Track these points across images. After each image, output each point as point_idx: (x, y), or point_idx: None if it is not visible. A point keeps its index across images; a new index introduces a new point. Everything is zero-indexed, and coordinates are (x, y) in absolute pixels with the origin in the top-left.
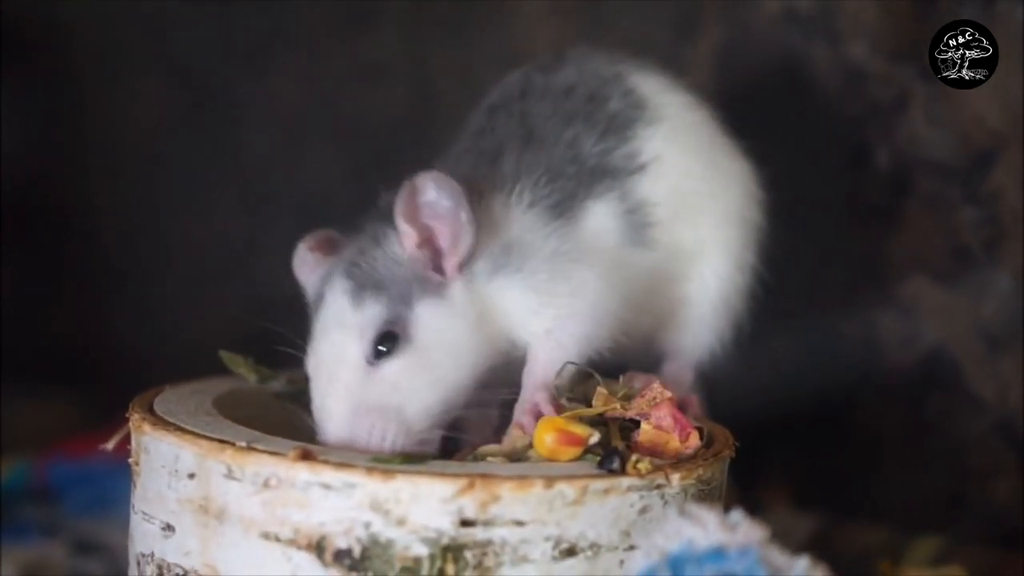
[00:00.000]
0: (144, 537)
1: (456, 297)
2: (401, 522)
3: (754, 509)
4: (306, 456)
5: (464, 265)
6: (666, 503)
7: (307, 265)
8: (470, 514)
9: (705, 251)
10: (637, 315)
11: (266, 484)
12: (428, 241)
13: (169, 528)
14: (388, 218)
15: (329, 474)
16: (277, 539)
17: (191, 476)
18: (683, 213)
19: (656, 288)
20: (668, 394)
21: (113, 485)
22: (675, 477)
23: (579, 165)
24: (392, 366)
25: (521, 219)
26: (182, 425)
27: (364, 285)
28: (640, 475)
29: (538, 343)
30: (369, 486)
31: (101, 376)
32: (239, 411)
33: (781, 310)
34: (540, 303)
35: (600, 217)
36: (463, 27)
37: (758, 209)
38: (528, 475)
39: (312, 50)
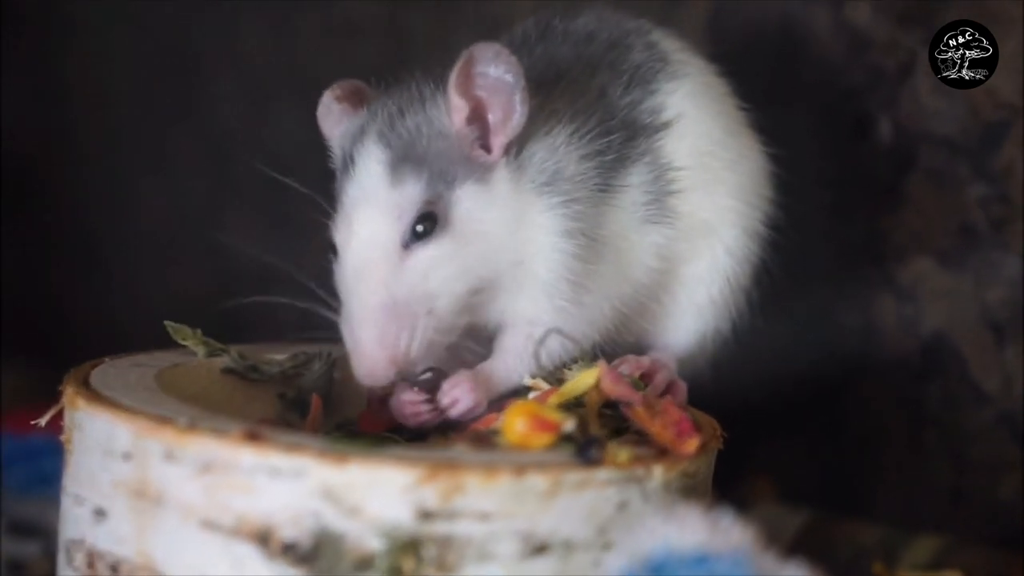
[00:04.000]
0: (75, 522)
1: (500, 186)
2: (355, 512)
3: (740, 503)
4: (252, 437)
5: (512, 152)
6: (647, 498)
7: (332, 116)
8: (431, 505)
9: (719, 226)
10: (636, 307)
11: (207, 467)
12: (477, 115)
13: (101, 513)
14: (432, 82)
15: (277, 457)
16: (218, 528)
17: (126, 456)
18: (701, 181)
19: (663, 271)
20: (644, 388)
21: (56, 463)
22: (657, 470)
23: (613, 117)
24: (427, 251)
25: (577, 164)
26: (118, 400)
27: (403, 157)
28: (619, 467)
29: (517, 329)
30: (320, 472)
31: (59, 347)
32: (184, 387)
33: (773, 292)
34: (559, 264)
35: (633, 191)
36: None
37: (769, 184)
38: (496, 463)
39: (283, 8)
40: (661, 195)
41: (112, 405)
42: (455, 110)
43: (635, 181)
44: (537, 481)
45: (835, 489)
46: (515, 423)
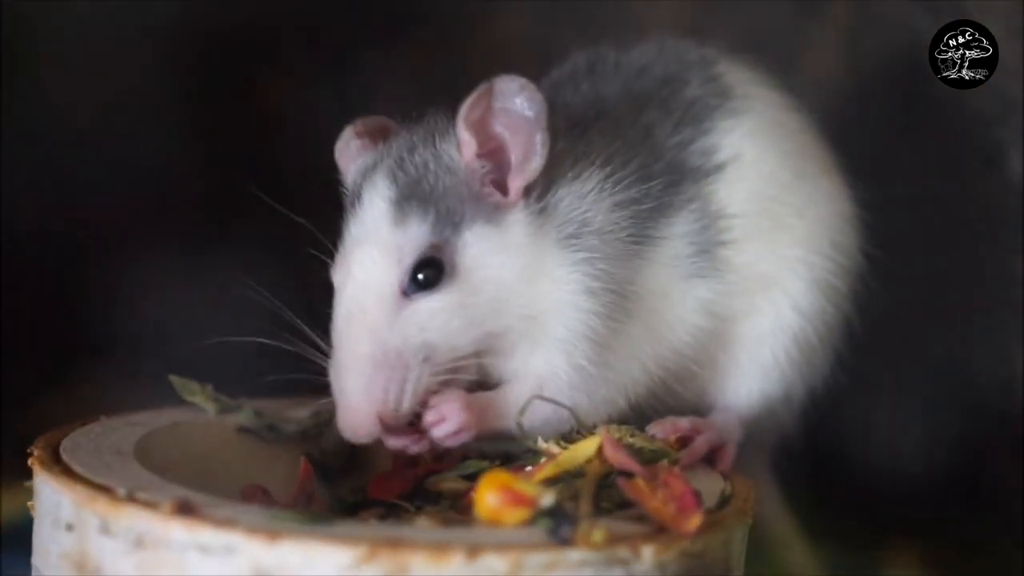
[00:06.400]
0: None
1: (515, 230)
2: None
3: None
4: (182, 510)
5: (533, 196)
6: None
7: (350, 151)
8: None
9: (782, 279)
10: (680, 369)
11: (140, 542)
12: (494, 154)
13: None
14: (449, 115)
15: (206, 534)
16: None
17: (69, 528)
18: (761, 229)
19: (714, 330)
20: (675, 455)
21: None
22: (647, 551)
23: (658, 160)
24: (428, 303)
25: (608, 214)
26: (71, 466)
27: (409, 195)
28: (593, 547)
29: (526, 382)
30: (251, 550)
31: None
32: (187, 448)
33: (900, 342)
34: (578, 322)
35: (675, 243)
36: (588, 5)
37: (853, 233)
38: (446, 542)
39: (440, 29)
40: (710, 246)
41: (62, 472)
42: (464, 144)
43: (678, 231)
44: (494, 563)
45: (977, 558)
46: (486, 497)
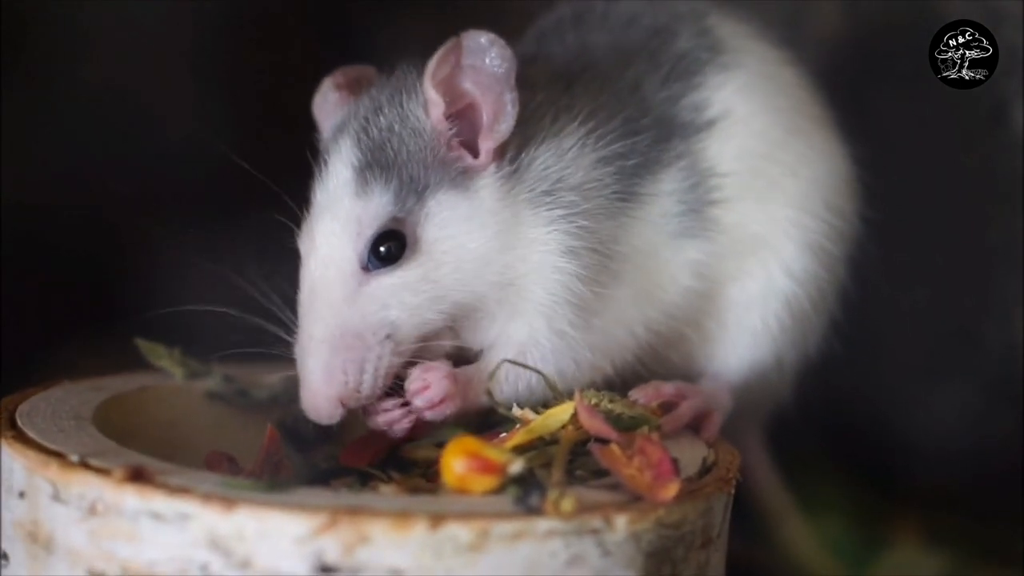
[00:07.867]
0: None
1: (484, 194)
2: (245, 564)
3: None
4: (135, 477)
5: (506, 158)
6: (607, 552)
7: (327, 106)
8: (331, 558)
9: (774, 241)
10: (671, 333)
11: (92, 510)
12: (463, 114)
13: (5, 558)
14: (418, 72)
15: (160, 501)
16: None
17: (21, 495)
18: (752, 188)
19: (703, 292)
20: (656, 421)
21: None
22: (620, 520)
23: (645, 115)
24: (390, 279)
25: (589, 170)
26: (25, 431)
27: (372, 162)
28: (562, 516)
29: (507, 351)
30: (206, 518)
31: None
32: (154, 413)
33: (902, 308)
34: (559, 286)
35: (663, 200)
36: None
37: (849, 194)
38: (409, 511)
39: None
40: (699, 205)
41: (14, 437)
42: (431, 105)
43: (666, 189)
44: (458, 532)
45: (978, 531)
46: (452, 464)
